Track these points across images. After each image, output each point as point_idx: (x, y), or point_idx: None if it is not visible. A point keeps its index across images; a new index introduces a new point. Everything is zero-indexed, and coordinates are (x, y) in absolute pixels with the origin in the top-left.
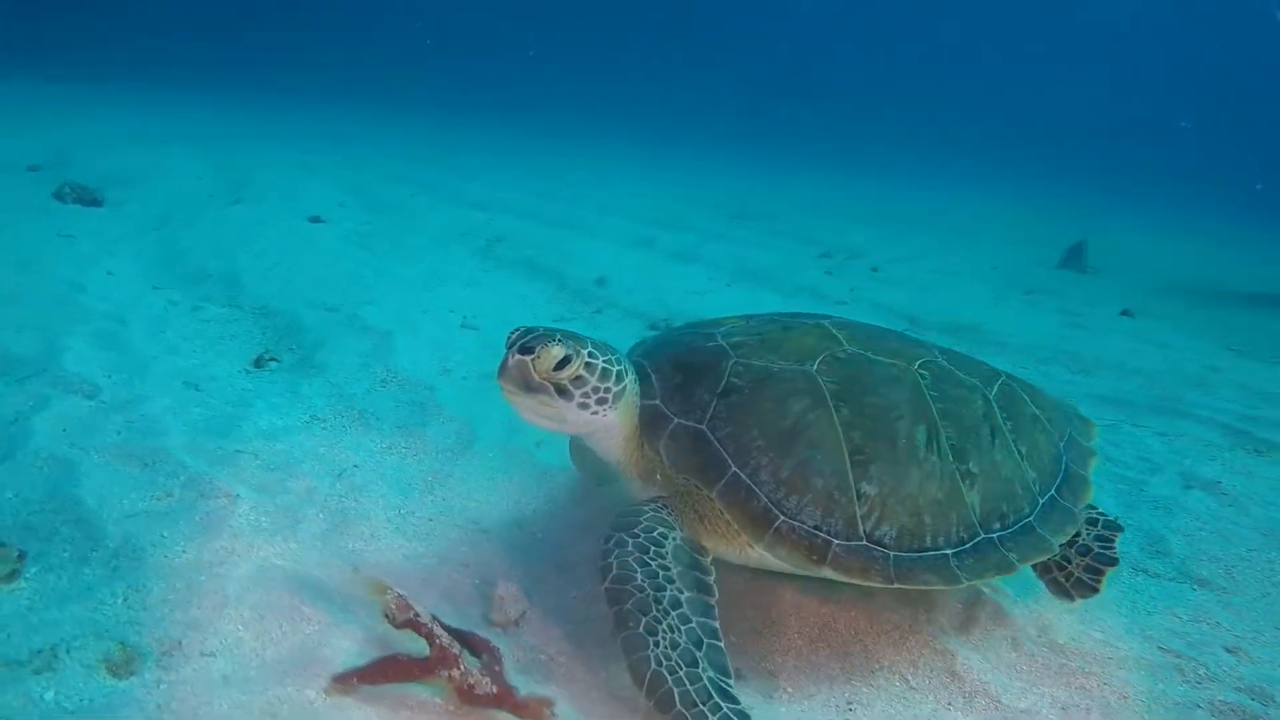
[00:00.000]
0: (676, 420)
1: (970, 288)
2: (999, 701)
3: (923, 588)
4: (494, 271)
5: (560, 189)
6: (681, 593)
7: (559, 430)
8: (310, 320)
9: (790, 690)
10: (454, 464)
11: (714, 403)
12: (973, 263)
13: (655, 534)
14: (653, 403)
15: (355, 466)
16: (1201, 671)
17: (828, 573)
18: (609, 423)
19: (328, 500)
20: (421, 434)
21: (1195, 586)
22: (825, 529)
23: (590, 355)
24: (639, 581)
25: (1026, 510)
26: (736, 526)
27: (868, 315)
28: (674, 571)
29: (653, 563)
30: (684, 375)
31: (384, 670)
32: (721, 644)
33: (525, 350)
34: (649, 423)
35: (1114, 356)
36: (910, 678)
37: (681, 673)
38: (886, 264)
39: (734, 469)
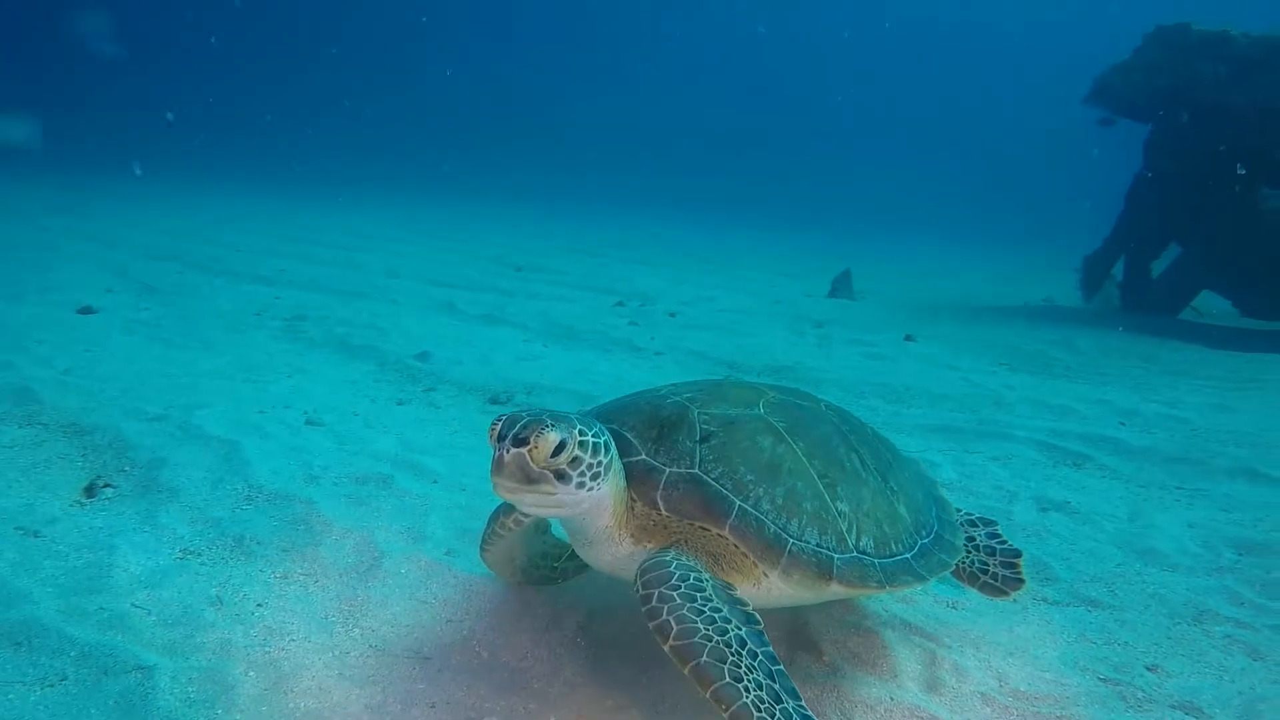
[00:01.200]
0: (669, 469)
1: (768, 326)
2: None
3: (904, 588)
4: (309, 354)
5: (334, 254)
6: (740, 629)
7: (555, 516)
8: (136, 434)
9: None
10: (366, 587)
11: (697, 449)
12: (756, 299)
13: (692, 580)
14: (639, 458)
15: (259, 606)
16: (1139, 695)
17: (834, 588)
18: (601, 496)
19: (250, 653)
20: (315, 555)
21: (1090, 608)
22: (824, 546)
23: (580, 434)
24: (705, 631)
25: (933, 521)
26: (753, 557)
27: (688, 365)
28: (725, 611)
29: (705, 608)
30: (658, 429)
31: None
32: (783, 668)
33: (519, 442)
34: (640, 477)
35: (918, 383)
36: None
37: (779, 712)
38: (681, 308)
39: (738, 503)
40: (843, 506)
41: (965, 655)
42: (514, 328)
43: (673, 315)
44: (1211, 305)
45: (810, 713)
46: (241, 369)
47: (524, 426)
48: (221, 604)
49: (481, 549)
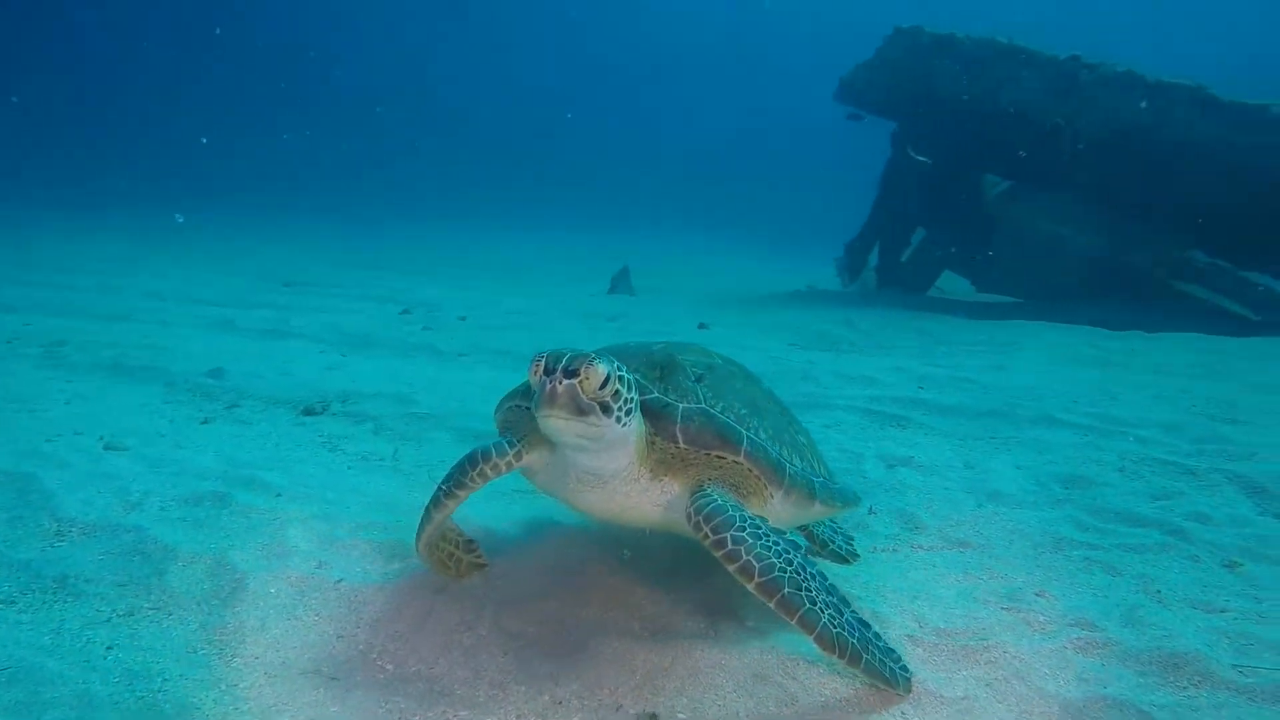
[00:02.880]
0: (682, 405)
1: (562, 323)
2: (940, 696)
3: (849, 509)
4: (81, 379)
5: (87, 280)
6: (798, 556)
7: (590, 449)
8: None
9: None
10: (235, 612)
11: (697, 388)
12: (541, 300)
13: (748, 519)
14: (653, 395)
15: (109, 649)
16: (1040, 618)
17: (817, 508)
18: (629, 432)
19: (120, 702)
20: (162, 586)
21: (962, 549)
22: (806, 471)
23: (619, 369)
24: (780, 565)
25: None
26: (764, 479)
27: (496, 364)
28: (783, 543)
29: (771, 544)
30: (659, 371)
31: None
32: (834, 583)
33: (570, 374)
34: (656, 413)
35: None
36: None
37: (844, 624)
38: (470, 312)
39: (745, 433)
40: (802, 439)
41: (877, 603)
42: (304, 340)
43: (463, 319)
44: (951, 283)
45: (864, 617)
46: (8, 399)
47: (571, 359)
48: (61, 653)
49: (447, 493)
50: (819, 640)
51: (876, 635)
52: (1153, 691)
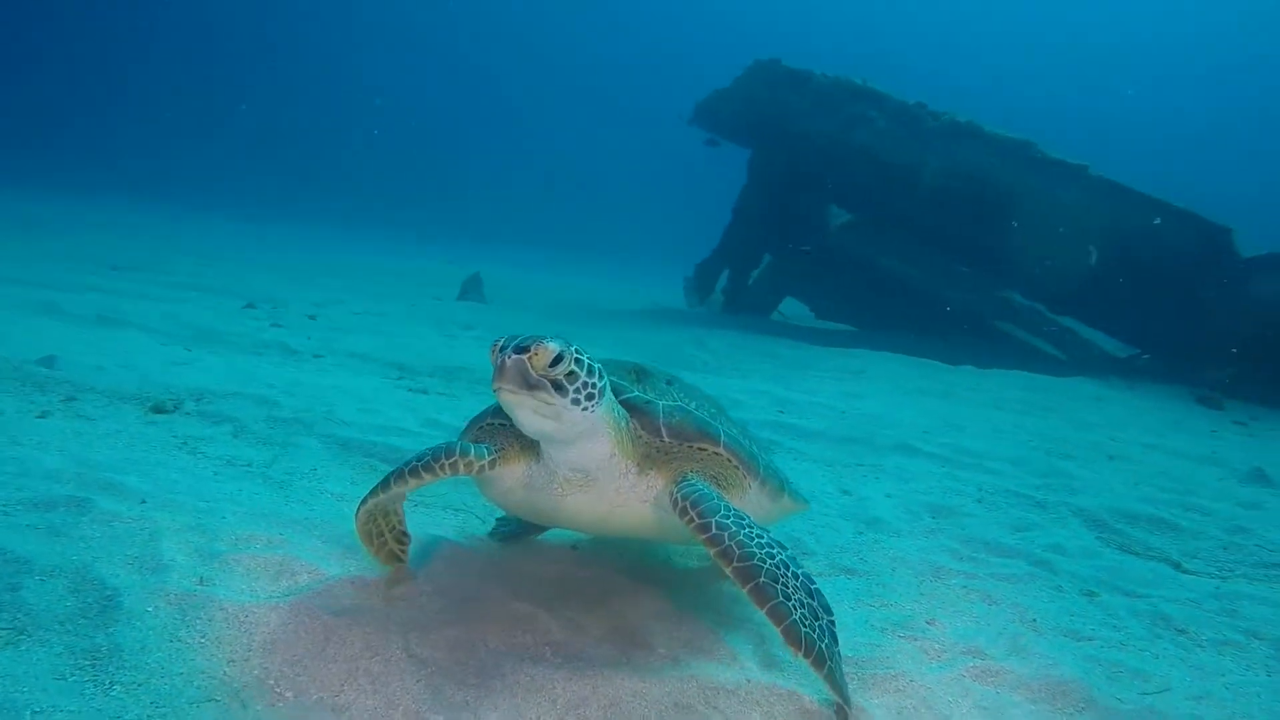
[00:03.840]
0: (662, 402)
1: (414, 328)
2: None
3: (802, 509)
4: None
5: None
6: (782, 552)
7: (547, 431)
8: None
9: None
10: (108, 634)
11: (672, 390)
12: (390, 303)
13: (733, 508)
14: (635, 394)
15: None
16: (934, 646)
17: (785, 502)
18: (595, 420)
19: None
20: (16, 603)
21: (849, 576)
22: (771, 467)
23: (577, 352)
24: (760, 555)
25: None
26: (742, 469)
27: (353, 367)
28: (767, 537)
29: (755, 535)
30: (635, 374)
31: None
32: (819, 587)
33: (520, 350)
34: (640, 409)
35: None
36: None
37: (817, 628)
38: (317, 311)
39: (721, 428)
40: (758, 444)
41: (777, 636)
42: (143, 330)
43: (313, 318)
44: (791, 308)
45: (835, 631)
46: None
47: (525, 339)
48: None
49: (401, 478)
50: (786, 634)
51: (839, 650)
52: (1045, 718)
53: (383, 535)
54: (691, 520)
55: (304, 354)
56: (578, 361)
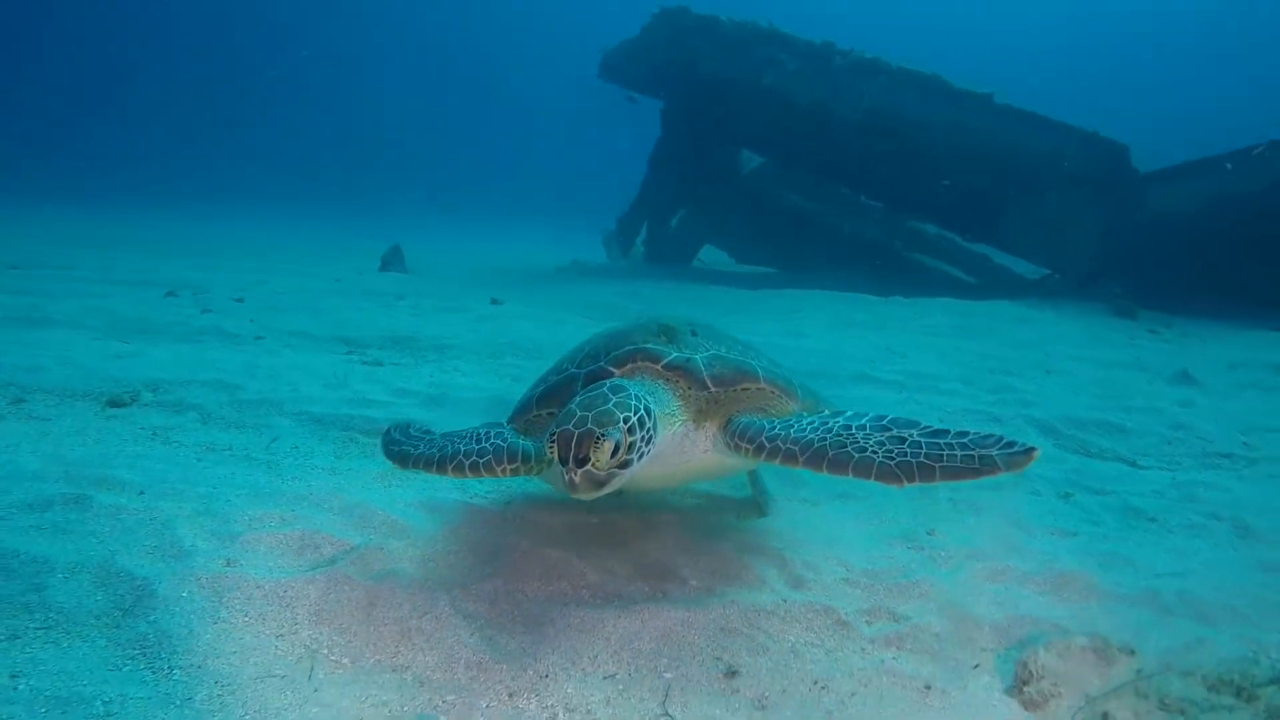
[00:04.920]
0: (699, 356)
1: (348, 302)
2: (894, 613)
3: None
4: None
5: None
6: (836, 421)
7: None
8: None
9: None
10: (150, 622)
11: (700, 339)
12: (312, 279)
13: (775, 420)
14: (674, 355)
15: (14, 677)
16: (941, 553)
17: (824, 410)
18: (656, 442)
19: None
20: (44, 602)
21: (845, 500)
22: (806, 387)
23: (627, 423)
24: (817, 436)
25: None
26: (783, 397)
27: (298, 346)
28: (814, 419)
29: (800, 426)
30: (665, 334)
31: None
32: (884, 414)
33: (580, 461)
34: (682, 368)
35: (546, 339)
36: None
37: (908, 447)
38: (243, 293)
39: (757, 364)
40: (781, 366)
41: (801, 553)
42: (69, 327)
43: (240, 301)
44: (710, 256)
45: (934, 426)
46: None
47: (579, 445)
48: None
49: (456, 469)
50: (883, 479)
51: (959, 434)
52: (1054, 607)
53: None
54: (746, 450)
55: (244, 337)
56: (630, 430)
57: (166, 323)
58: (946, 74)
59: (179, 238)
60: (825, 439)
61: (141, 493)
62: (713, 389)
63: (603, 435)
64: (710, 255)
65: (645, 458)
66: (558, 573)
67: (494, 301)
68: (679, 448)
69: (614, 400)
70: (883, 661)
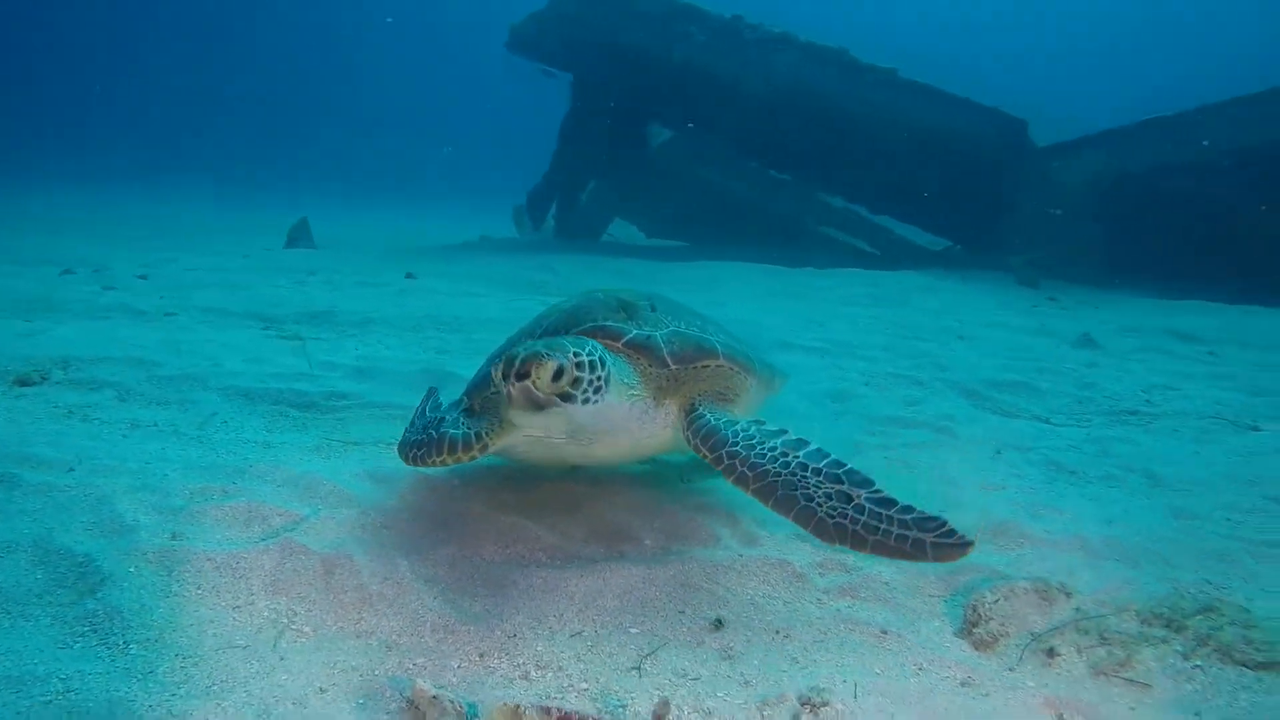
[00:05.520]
0: (659, 333)
1: (263, 277)
2: (864, 570)
3: (778, 380)
4: None
5: None
6: (796, 455)
7: (569, 429)
8: None
9: None
10: (98, 599)
11: (659, 316)
12: (221, 257)
13: (739, 430)
14: (635, 333)
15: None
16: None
17: (775, 383)
18: (608, 403)
19: (45, 716)
20: None
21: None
22: (764, 362)
23: (576, 356)
24: (774, 470)
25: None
26: (742, 372)
27: (215, 322)
28: (779, 445)
29: (764, 450)
30: (623, 311)
31: None
32: (850, 466)
33: (521, 376)
34: (642, 346)
35: (464, 313)
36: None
37: (851, 509)
38: (148, 271)
39: (713, 340)
40: (737, 338)
41: (750, 512)
42: None
43: (144, 278)
44: (620, 230)
45: (885, 493)
46: None
47: (523, 362)
48: None
49: (418, 459)
50: (818, 534)
51: (905, 509)
52: (992, 555)
53: None
54: (705, 455)
55: (153, 314)
56: (578, 366)
57: (69, 301)
58: (854, 49)
59: (74, 215)
60: (780, 474)
61: (71, 470)
62: (673, 367)
63: (548, 356)
64: (619, 230)
65: (590, 405)
66: (513, 537)
67: (409, 276)
68: (639, 423)
69: (569, 340)
70: (839, 610)
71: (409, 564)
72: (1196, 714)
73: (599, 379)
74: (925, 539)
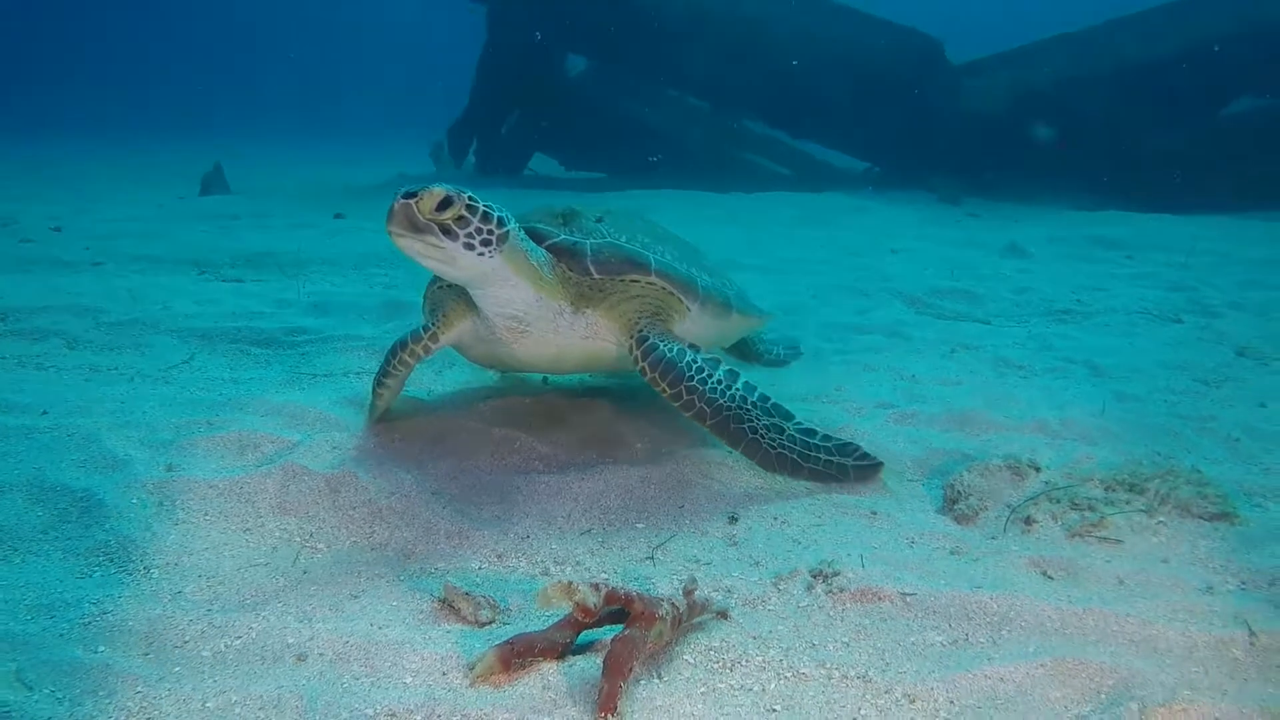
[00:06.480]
0: (590, 241)
1: (186, 225)
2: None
3: (762, 323)
4: None
5: None
6: (735, 386)
7: (451, 274)
8: None
9: None
10: (107, 530)
11: (600, 228)
12: (139, 207)
13: (693, 362)
14: (560, 238)
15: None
16: (854, 406)
17: (734, 318)
18: (497, 265)
19: (82, 637)
20: None
21: (750, 369)
22: (716, 286)
23: (470, 199)
24: (725, 403)
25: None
26: (678, 294)
27: (148, 272)
28: (724, 379)
29: (714, 380)
30: (562, 218)
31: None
32: (773, 400)
33: (409, 195)
34: (568, 251)
35: (390, 248)
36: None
37: (785, 439)
38: (61, 222)
39: (651, 256)
40: (708, 263)
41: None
42: None
43: (58, 230)
44: (539, 164)
45: (807, 423)
46: None
47: (417, 186)
48: None
49: (379, 381)
50: (763, 464)
51: (825, 438)
52: (964, 441)
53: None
54: (663, 390)
55: (80, 264)
56: (469, 207)
57: None
58: None
59: None
60: (729, 409)
61: (44, 412)
62: (595, 275)
63: (441, 186)
64: (539, 164)
65: (477, 255)
66: (508, 448)
67: (337, 216)
68: (553, 324)
69: (481, 194)
70: (829, 496)
71: (412, 478)
72: (1164, 560)
73: (489, 232)
74: (847, 463)
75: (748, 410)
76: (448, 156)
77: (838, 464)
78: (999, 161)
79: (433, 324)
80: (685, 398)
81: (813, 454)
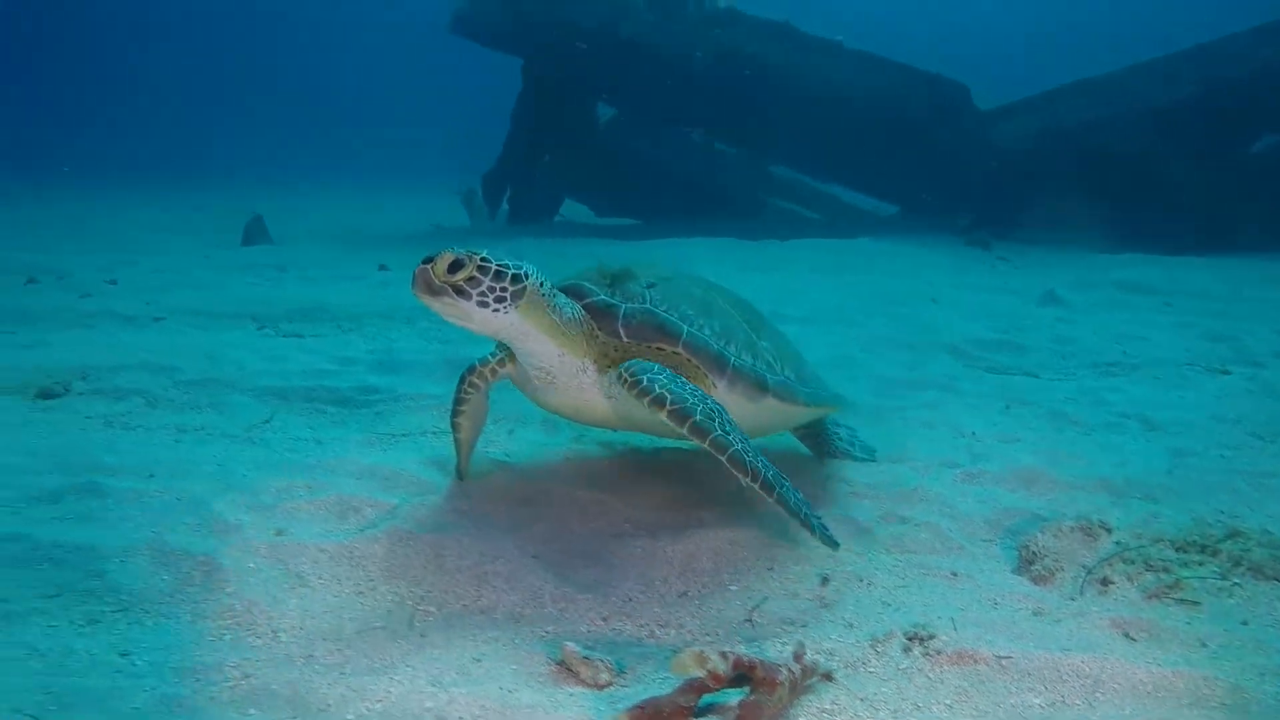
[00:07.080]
0: (625, 305)
1: (235, 276)
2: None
3: (820, 410)
4: None
5: None
6: (713, 404)
7: (472, 329)
8: None
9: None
10: (229, 594)
11: (646, 293)
12: (184, 258)
13: (668, 374)
14: (598, 298)
15: (123, 655)
16: (921, 465)
17: (770, 400)
18: (513, 320)
19: (232, 701)
20: (109, 587)
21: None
22: (758, 368)
23: (483, 260)
24: (692, 400)
25: (816, 376)
26: (704, 368)
27: (203, 325)
28: (700, 392)
29: (688, 389)
30: (610, 279)
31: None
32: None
33: (426, 261)
34: (600, 312)
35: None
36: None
37: (761, 460)
38: (115, 272)
39: (686, 327)
40: (765, 344)
41: (801, 478)
42: None
43: (113, 283)
44: (571, 211)
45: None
46: None
47: (433, 257)
48: (73, 671)
49: (455, 410)
50: (730, 461)
51: (798, 493)
52: (1030, 500)
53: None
54: (631, 387)
55: (143, 319)
56: (480, 268)
57: (48, 309)
58: (797, 22)
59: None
60: (696, 406)
61: (151, 475)
62: (625, 338)
63: (453, 251)
64: (569, 211)
65: (491, 312)
66: (596, 510)
67: (382, 268)
68: (576, 380)
69: (508, 252)
70: (908, 558)
71: (512, 542)
72: (1244, 622)
73: (501, 290)
74: (814, 521)
75: (719, 415)
76: (480, 204)
77: (811, 517)
78: (1026, 204)
79: (500, 350)
80: (644, 384)
81: (789, 489)
